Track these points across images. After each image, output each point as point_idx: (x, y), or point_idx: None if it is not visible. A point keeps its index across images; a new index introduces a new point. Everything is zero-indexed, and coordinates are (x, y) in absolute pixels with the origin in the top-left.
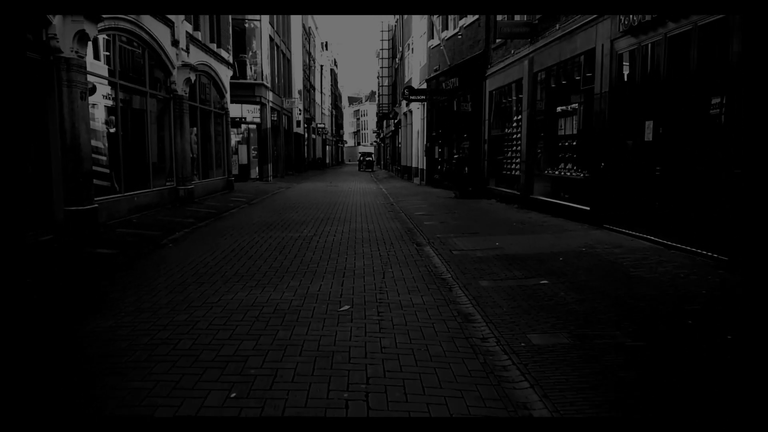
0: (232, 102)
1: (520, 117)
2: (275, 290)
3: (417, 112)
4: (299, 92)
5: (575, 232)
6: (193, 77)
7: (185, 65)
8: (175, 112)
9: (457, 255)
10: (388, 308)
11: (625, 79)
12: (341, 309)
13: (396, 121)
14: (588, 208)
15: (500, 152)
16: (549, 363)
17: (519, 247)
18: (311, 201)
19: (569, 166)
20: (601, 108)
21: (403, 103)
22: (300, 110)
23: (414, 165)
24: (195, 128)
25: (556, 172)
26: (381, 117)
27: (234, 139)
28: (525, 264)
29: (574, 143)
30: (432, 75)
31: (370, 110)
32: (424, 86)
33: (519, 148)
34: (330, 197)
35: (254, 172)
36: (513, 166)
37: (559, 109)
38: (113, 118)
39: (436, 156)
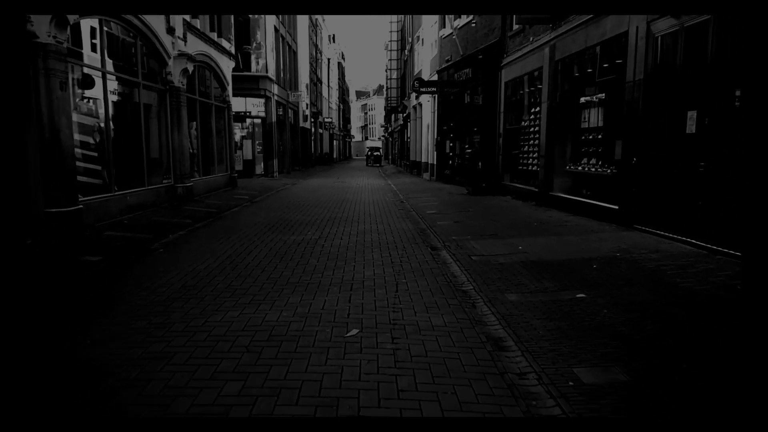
0: (235, 95)
1: (538, 109)
2: (272, 309)
3: (427, 105)
4: (306, 86)
5: (604, 234)
6: (190, 68)
7: (182, 55)
8: (172, 104)
9: (477, 261)
10: (403, 332)
11: (664, 65)
12: (348, 334)
13: (405, 114)
14: (616, 207)
15: (516, 146)
16: (609, 414)
17: (545, 252)
18: (317, 198)
19: (593, 161)
20: (634, 97)
21: (413, 96)
22: (307, 104)
23: (424, 160)
24: (195, 122)
25: (579, 168)
26: (389, 111)
27: (239, 134)
28: (555, 273)
29: (599, 136)
30: (443, 66)
31: (378, 104)
32: (435, 78)
33: (537, 141)
34: (337, 194)
35: (259, 168)
36: (530, 160)
37: (582, 99)
38: (102, 111)
39: (447, 150)
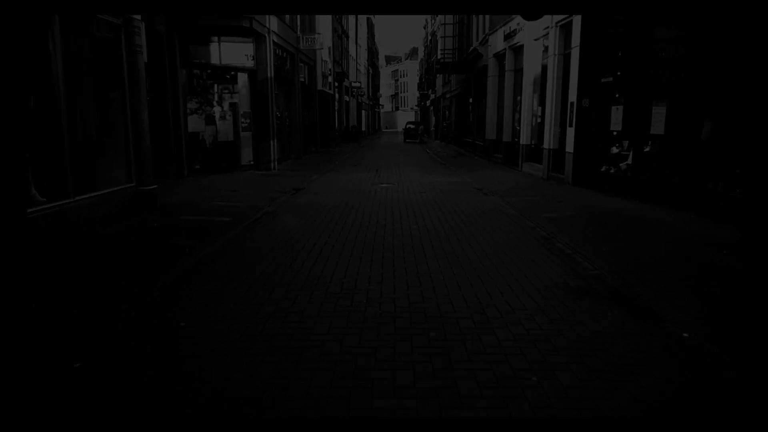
0: (205, 35)
1: None
2: None
3: (535, 45)
4: (329, 48)
5: None
6: None
7: None
8: None
9: None
10: None
11: None
12: None
13: (471, 74)
14: None
15: None
16: None
17: None
18: (334, 278)
19: None
20: None
21: (495, 38)
22: (329, 62)
23: (523, 141)
24: None
25: None
26: (438, 70)
27: (226, 102)
28: None
29: None
30: None
31: (410, 70)
32: None
33: None
34: (396, 254)
35: (247, 155)
36: None
37: None
38: None
39: (612, 128)
